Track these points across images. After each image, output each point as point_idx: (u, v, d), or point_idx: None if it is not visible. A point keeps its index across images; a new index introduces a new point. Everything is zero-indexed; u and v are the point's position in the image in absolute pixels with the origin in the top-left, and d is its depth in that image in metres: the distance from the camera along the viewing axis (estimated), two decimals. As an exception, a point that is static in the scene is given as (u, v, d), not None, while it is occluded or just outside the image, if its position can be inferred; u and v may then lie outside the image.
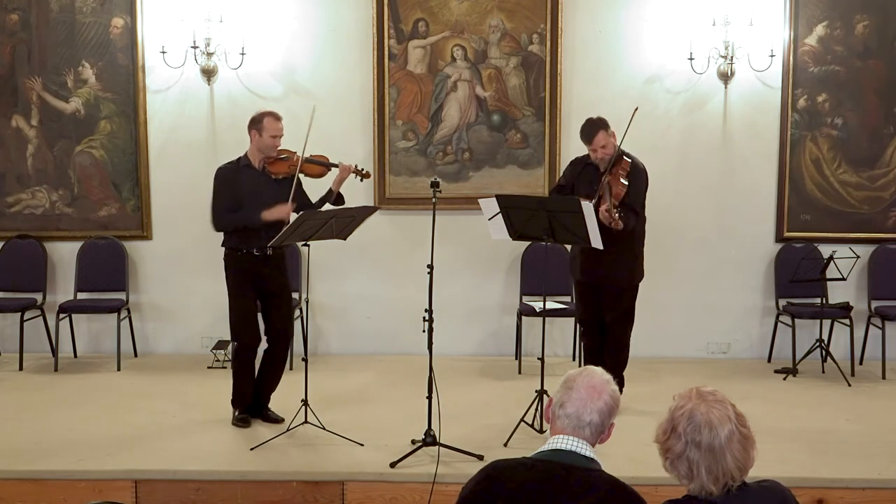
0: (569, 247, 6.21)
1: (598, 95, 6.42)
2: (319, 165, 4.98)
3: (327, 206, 4.93)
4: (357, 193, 6.24)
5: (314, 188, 5.08)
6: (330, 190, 4.97)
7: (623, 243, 4.89)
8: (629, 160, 4.93)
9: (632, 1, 6.41)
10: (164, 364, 6.38)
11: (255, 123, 4.85)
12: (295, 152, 4.93)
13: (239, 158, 4.93)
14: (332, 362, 6.45)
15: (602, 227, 4.64)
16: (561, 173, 6.32)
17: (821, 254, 6.27)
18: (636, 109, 4.97)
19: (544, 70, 6.42)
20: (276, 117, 4.86)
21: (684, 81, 6.42)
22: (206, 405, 5.22)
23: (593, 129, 4.93)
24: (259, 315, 4.99)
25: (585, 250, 4.96)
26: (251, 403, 5.02)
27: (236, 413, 4.95)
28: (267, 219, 4.75)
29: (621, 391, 5.00)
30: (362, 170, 5.01)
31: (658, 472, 2.24)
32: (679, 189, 6.48)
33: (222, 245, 4.92)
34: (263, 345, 5.05)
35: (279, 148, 4.91)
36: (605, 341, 5.19)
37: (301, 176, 4.94)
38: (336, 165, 4.97)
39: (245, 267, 4.85)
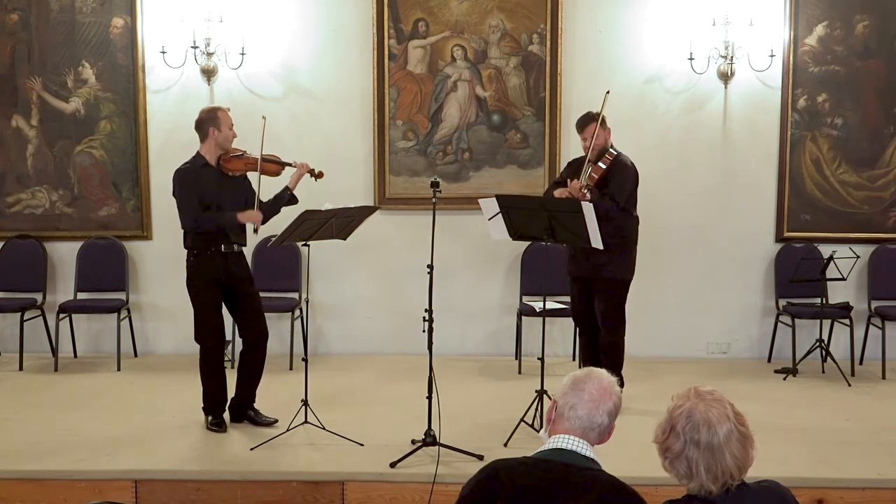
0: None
1: (598, 95, 6.32)
2: (275, 164, 4.93)
3: (327, 207, 4.91)
4: (357, 193, 6.26)
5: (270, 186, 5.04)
6: (286, 187, 4.94)
7: (612, 238, 4.90)
8: (615, 153, 5.04)
9: (632, 1, 6.40)
10: (164, 364, 6.37)
11: (211, 121, 4.79)
12: (245, 151, 4.89)
13: (195, 158, 4.85)
14: (332, 362, 6.45)
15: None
16: (560, 173, 6.42)
17: (821, 254, 6.27)
18: (608, 93, 4.98)
19: (544, 70, 6.42)
20: (225, 109, 4.88)
21: (684, 81, 6.42)
22: (206, 405, 5.22)
23: (587, 120, 5.06)
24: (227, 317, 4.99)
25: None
26: (236, 407, 4.97)
27: (210, 419, 4.88)
28: (241, 220, 4.77)
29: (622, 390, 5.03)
30: (314, 169, 4.96)
31: (658, 472, 2.24)
32: (679, 189, 6.48)
33: (186, 247, 4.85)
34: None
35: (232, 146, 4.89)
36: (601, 343, 5.19)
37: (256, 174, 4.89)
38: (290, 164, 4.94)
39: (213, 269, 4.80)
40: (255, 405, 4.98)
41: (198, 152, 4.86)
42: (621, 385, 5.00)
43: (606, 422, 2.32)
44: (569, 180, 5.02)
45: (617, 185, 4.99)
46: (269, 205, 4.94)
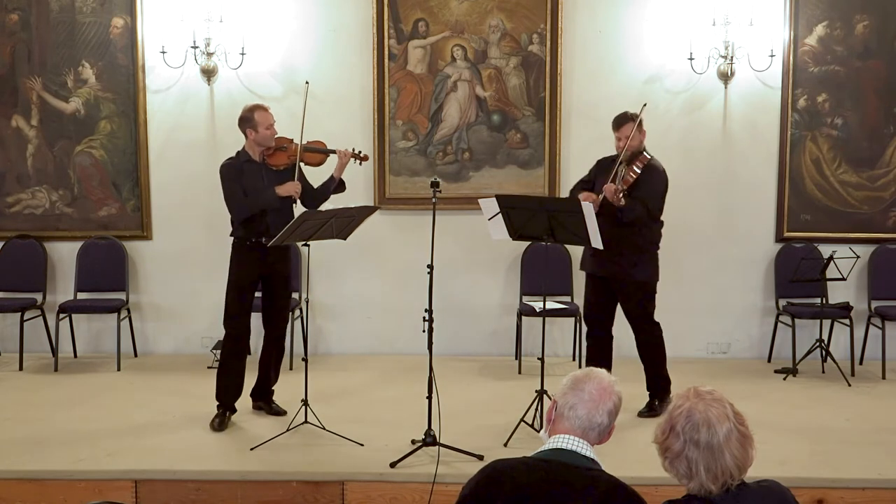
0: (569, 247, 6.27)
1: (598, 95, 6.43)
2: (318, 153, 5.02)
3: (327, 205, 4.95)
4: (357, 193, 6.25)
5: (315, 176, 5.13)
6: (331, 177, 5.02)
7: (635, 239, 4.93)
8: (648, 157, 4.98)
9: (632, 1, 6.40)
10: (164, 364, 6.38)
11: (247, 122, 4.89)
12: (292, 140, 4.97)
13: (238, 154, 4.97)
14: (332, 362, 6.45)
15: (616, 223, 4.82)
16: (562, 173, 6.46)
17: (821, 254, 6.27)
18: (644, 105, 5.00)
19: (544, 70, 6.42)
20: (264, 108, 4.94)
21: (684, 81, 6.42)
22: (206, 405, 5.19)
23: (625, 119, 5.03)
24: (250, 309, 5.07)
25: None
26: (255, 391, 5.14)
27: (216, 411, 4.94)
28: (281, 194, 4.83)
29: (669, 392, 5.00)
30: (360, 153, 5.03)
31: (658, 472, 2.24)
32: (679, 189, 6.43)
33: (231, 235, 4.97)
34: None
35: (276, 136, 4.96)
36: (637, 342, 5.18)
37: (301, 165, 4.99)
38: (334, 151, 5.01)
39: (251, 258, 4.89)
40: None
41: (243, 147, 4.97)
42: (667, 385, 5.02)
43: (606, 422, 2.32)
44: (603, 183, 4.91)
45: (649, 190, 4.93)
46: (314, 190, 5.04)
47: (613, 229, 4.85)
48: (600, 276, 5.14)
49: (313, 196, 5.03)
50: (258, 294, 5.09)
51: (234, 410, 4.99)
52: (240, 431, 4.83)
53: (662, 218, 5.10)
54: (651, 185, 4.95)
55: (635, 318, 5.12)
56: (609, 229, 4.86)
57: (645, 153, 4.98)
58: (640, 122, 4.99)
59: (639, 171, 4.91)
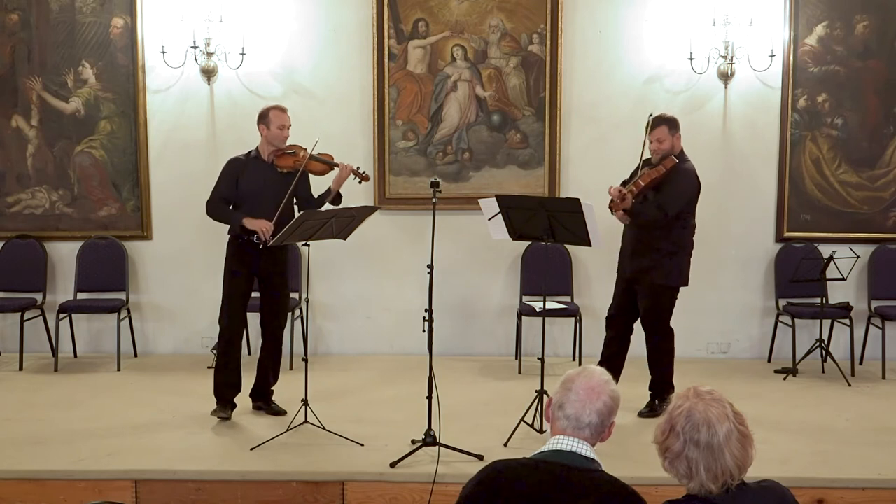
0: (569, 247, 6.27)
1: (598, 95, 6.43)
2: (323, 164, 5.06)
3: (326, 206, 4.98)
4: (357, 193, 6.24)
5: (318, 185, 5.16)
6: (329, 189, 5.04)
7: (656, 241, 4.93)
8: (676, 160, 4.94)
9: (632, 1, 6.40)
10: (164, 364, 6.38)
11: (262, 118, 5.00)
12: (304, 148, 5.01)
13: (250, 151, 5.06)
14: (332, 362, 6.45)
15: (637, 224, 4.90)
16: (562, 173, 6.48)
17: (821, 254, 6.27)
18: (651, 115, 5.02)
19: (544, 70, 6.42)
20: (282, 109, 5.03)
21: (684, 81, 6.42)
22: (206, 405, 5.19)
23: (657, 121, 5.01)
24: (248, 307, 5.11)
25: (628, 243, 5.07)
26: (254, 392, 5.15)
27: (215, 405, 4.98)
28: (246, 226, 4.85)
29: (666, 397, 4.96)
30: (363, 172, 5.05)
31: (658, 472, 2.24)
32: (679, 189, 6.46)
33: (228, 232, 5.01)
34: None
35: (289, 143, 5.02)
36: (646, 345, 5.16)
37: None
38: (337, 165, 5.05)
39: (244, 256, 4.93)
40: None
41: (257, 145, 5.05)
42: (669, 392, 5.01)
43: (596, 421, 2.28)
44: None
45: (669, 193, 4.89)
46: (313, 199, 5.10)
47: (637, 230, 4.94)
48: (622, 275, 5.16)
49: (311, 205, 5.03)
50: (257, 294, 5.10)
51: (234, 405, 5.01)
52: (240, 431, 4.83)
53: (695, 223, 5.10)
54: (672, 186, 4.92)
55: (646, 320, 5.10)
56: (633, 230, 4.93)
57: (673, 156, 4.94)
58: (675, 125, 4.98)
59: (656, 175, 4.87)
